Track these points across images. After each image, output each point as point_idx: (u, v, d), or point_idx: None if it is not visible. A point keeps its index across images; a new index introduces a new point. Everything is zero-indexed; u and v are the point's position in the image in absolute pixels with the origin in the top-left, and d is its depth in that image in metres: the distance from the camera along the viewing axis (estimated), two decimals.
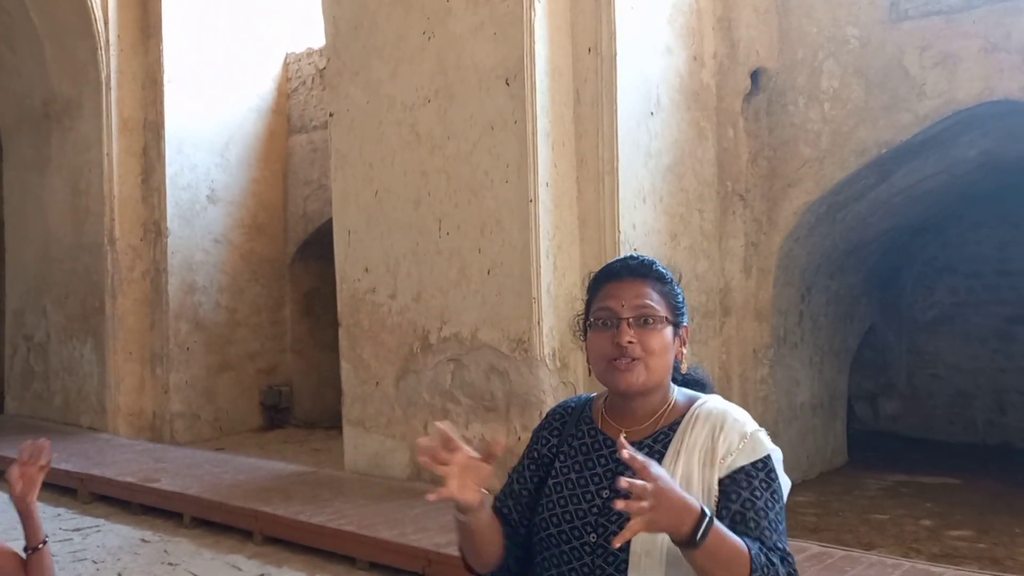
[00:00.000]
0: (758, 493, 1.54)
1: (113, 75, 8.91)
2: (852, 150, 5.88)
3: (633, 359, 1.60)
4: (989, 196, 7.55)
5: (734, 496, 1.54)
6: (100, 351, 9.18)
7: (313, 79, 9.62)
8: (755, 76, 6.22)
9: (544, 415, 1.83)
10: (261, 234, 9.67)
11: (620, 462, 1.61)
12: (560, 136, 5.66)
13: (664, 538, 1.48)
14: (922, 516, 5.76)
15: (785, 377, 6.54)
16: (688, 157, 6.12)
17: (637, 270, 1.67)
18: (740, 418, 1.62)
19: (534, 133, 5.52)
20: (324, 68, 8.41)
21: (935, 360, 8.53)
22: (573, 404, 1.80)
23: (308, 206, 9.67)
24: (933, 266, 8.52)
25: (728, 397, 6.69)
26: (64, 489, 6.98)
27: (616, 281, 1.66)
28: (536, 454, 1.77)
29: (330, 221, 7.17)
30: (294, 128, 9.86)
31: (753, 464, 1.56)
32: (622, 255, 1.67)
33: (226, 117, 9.36)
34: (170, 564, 5.25)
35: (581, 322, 1.75)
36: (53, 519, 6.32)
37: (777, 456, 1.60)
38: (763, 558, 1.44)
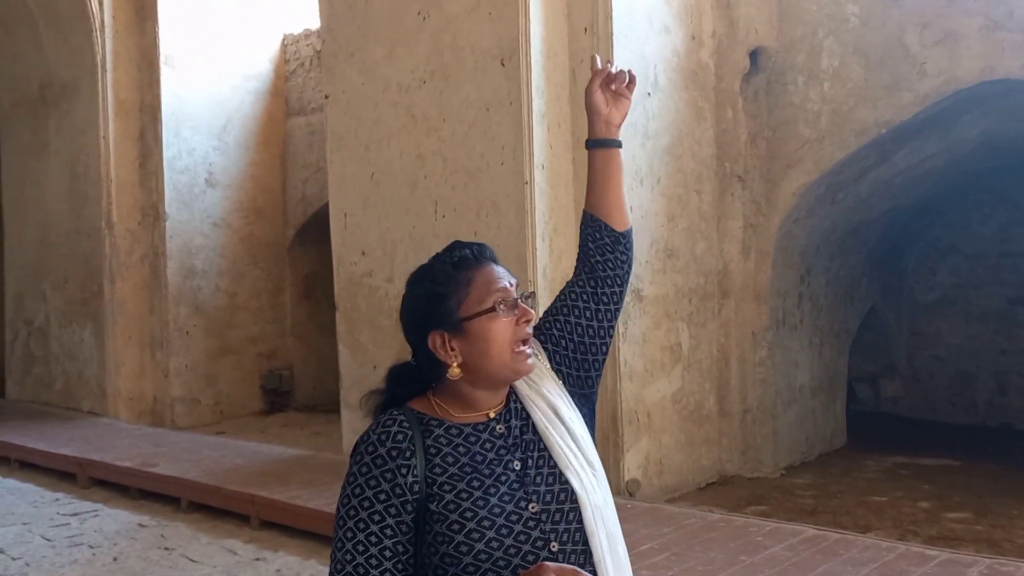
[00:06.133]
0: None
1: (108, 57, 8.85)
2: (852, 130, 5.81)
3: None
4: (991, 176, 7.48)
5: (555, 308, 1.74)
6: (100, 335, 9.18)
7: (311, 61, 9.55)
8: (754, 55, 6.15)
9: (374, 455, 1.50)
10: (260, 218, 9.63)
11: (513, 446, 1.53)
12: (556, 117, 5.60)
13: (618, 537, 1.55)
14: (920, 498, 5.73)
15: (784, 359, 6.50)
16: (686, 138, 6.06)
17: (490, 255, 1.65)
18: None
19: (529, 114, 5.46)
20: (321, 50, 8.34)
21: (936, 341, 8.48)
22: (398, 423, 1.55)
23: (307, 189, 9.63)
24: (935, 247, 8.46)
25: (727, 379, 6.62)
26: (63, 474, 7.00)
27: (483, 267, 1.60)
28: (399, 492, 1.47)
29: (328, 204, 7.13)
30: (292, 110, 9.80)
31: None
32: (453, 247, 1.61)
33: (224, 99, 9.30)
34: (166, 549, 5.26)
35: (452, 316, 1.55)
36: (51, 504, 6.34)
37: None
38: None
